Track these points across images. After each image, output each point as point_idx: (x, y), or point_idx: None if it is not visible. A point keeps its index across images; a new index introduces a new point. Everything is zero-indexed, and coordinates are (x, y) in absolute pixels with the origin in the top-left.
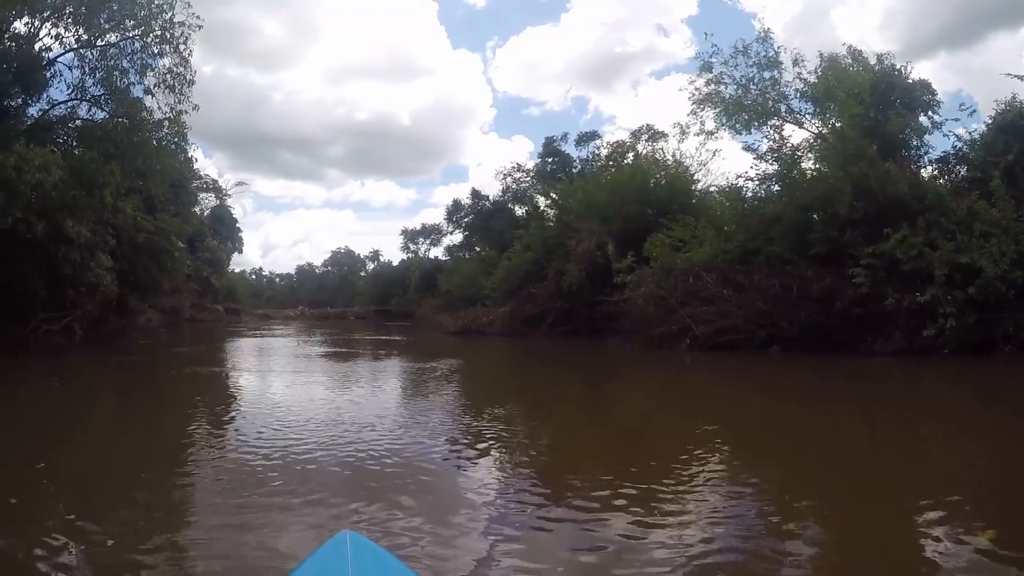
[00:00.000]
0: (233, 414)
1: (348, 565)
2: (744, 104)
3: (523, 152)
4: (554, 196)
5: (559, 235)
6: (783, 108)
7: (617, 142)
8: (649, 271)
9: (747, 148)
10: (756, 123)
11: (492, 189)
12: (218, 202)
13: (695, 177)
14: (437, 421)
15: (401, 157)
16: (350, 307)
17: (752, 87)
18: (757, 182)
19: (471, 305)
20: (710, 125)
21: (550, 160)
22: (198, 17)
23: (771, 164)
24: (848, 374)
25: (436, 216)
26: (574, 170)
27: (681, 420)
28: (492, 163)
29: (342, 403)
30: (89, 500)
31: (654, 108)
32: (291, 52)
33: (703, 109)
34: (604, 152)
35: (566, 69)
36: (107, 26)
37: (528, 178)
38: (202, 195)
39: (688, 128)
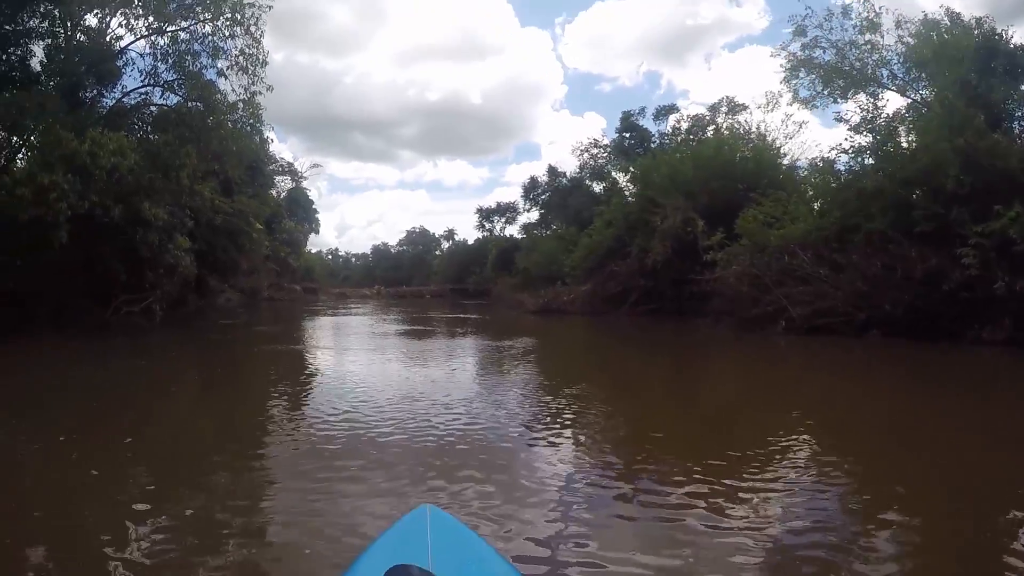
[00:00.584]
0: (312, 391)
1: (427, 537)
2: (842, 70)
3: (596, 129)
4: (635, 171)
5: (641, 211)
6: (884, 74)
7: (696, 115)
8: (741, 248)
9: (838, 119)
10: (852, 90)
11: (568, 166)
12: (294, 184)
13: (781, 151)
14: (514, 400)
15: (473, 136)
16: (426, 286)
17: (850, 52)
18: (851, 155)
19: (550, 283)
20: (803, 93)
21: (627, 135)
22: None
23: (864, 135)
24: (953, 363)
25: (510, 195)
26: (652, 145)
27: (771, 408)
28: (565, 140)
29: (420, 381)
30: (173, 472)
31: (729, 81)
32: (360, 36)
33: (796, 76)
34: (684, 126)
35: (637, 44)
36: (177, 12)
37: (605, 154)
38: (278, 178)
39: (780, 96)
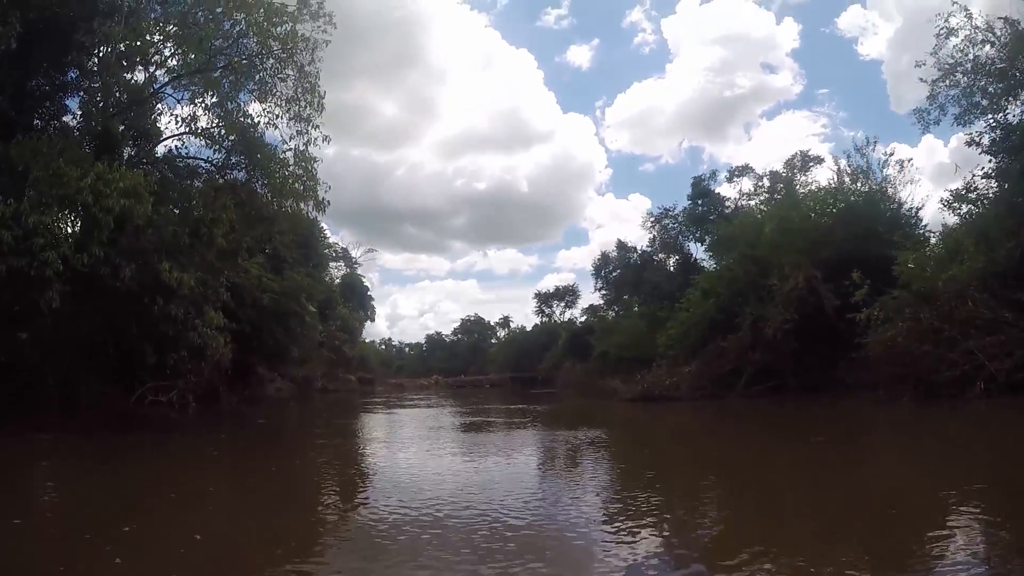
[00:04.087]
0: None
1: None
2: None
3: (641, 210)
4: (734, 231)
5: (748, 275)
6: None
7: (773, 171)
8: (905, 298)
9: (971, 142)
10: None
11: (632, 239)
12: (348, 270)
13: (897, 193)
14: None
15: (522, 224)
16: (484, 375)
17: (994, 64)
18: (994, 180)
19: (635, 367)
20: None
21: (700, 202)
22: (326, 31)
23: (998, 159)
24: None
25: (560, 280)
26: (727, 210)
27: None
28: (611, 224)
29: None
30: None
31: (768, 148)
32: (409, 129)
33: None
34: (766, 183)
35: (677, 121)
36: (218, 50)
37: (676, 224)
38: (332, 264)
39: (927, 116)
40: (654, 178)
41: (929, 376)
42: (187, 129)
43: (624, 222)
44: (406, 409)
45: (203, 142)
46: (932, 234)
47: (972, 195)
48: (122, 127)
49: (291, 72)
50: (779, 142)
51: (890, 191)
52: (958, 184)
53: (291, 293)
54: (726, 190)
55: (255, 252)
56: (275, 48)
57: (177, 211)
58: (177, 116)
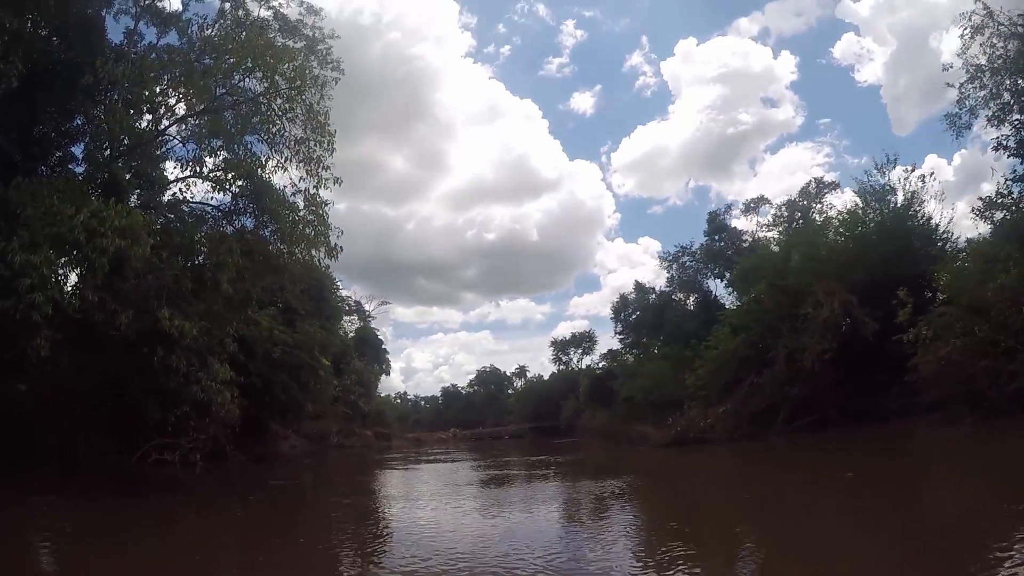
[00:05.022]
0: None
1: None
2: None
3: (651, 253)
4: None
5: (778, 306)
6: None
7: (790, 199)
8: (952, 313)
9: (999, 147)
10: None
11: (646, 281)
12: (362, 324)
13: (924, 209)
14: None
15: (533, 273)
16: (502, 426)
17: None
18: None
19: (663, 411)
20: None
21: (717, 237)
22: (337, 68)
23: None
24: None
25: (574, 328)
26: (745, 243)
27: None
28: (623, 269)
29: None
30: None
31: (774, 182)
32: (419, 183)
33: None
34: (784, 212)
35: (682, 161)
36: (225, 91)
37: (694, 262)
38: (346, 318)
39: (958, 121)
40: (662, 220)
41: (989, 392)
42: (192, 173)
43: (636, 266)
44: (425, 464)
45: (210, 186)
46: (964, 246)
47: (1007, 200)
48: (128, 175)
49: (300, 111)
50: (784, 175)
51: (916, 207)
52: (956, 196)
53: (304, 346)
54: (741, 223)
55: (265, 304)
56: (283, 87)
57: (179, 255)
58: (182, 160)
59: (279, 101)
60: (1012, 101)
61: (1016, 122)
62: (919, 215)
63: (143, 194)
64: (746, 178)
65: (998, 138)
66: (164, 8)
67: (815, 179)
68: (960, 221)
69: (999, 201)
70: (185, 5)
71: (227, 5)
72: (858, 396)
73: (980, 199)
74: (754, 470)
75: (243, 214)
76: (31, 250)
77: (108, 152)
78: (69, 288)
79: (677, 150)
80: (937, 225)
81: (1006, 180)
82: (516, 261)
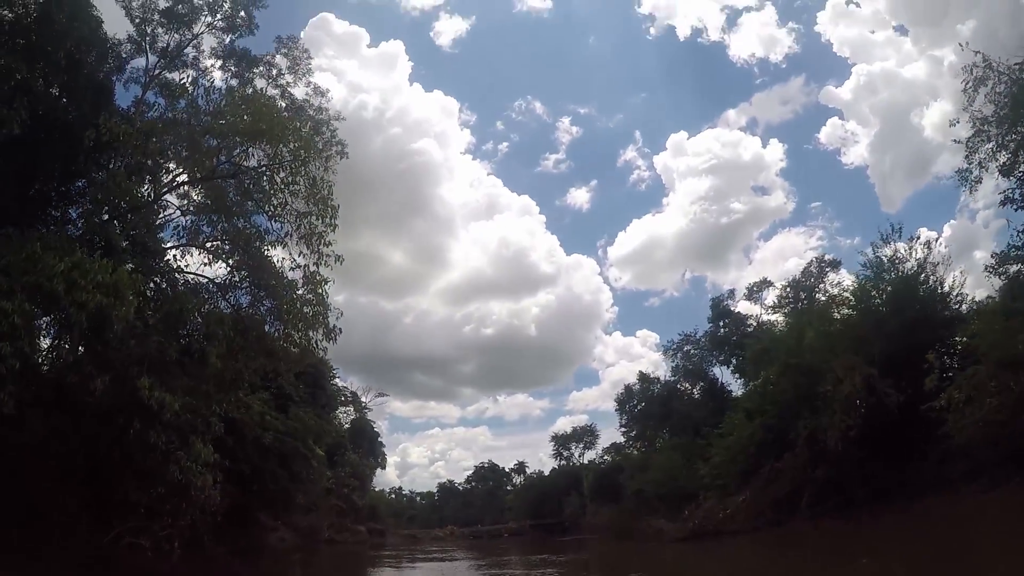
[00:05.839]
0: None
1: None
2: None
3: (649, 345)
4: (769, 346)
5: (795, 387)
6: None
7: (794, 280)
8: (984, 371)
9: (1007, 200)
10: None
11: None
12: (358, 415)
13: (935, 274)
14: None
15: (531, 368)
16: (501, 523)
17: None
18: None
19: (676, 504)
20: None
21: (721, 324)
22: (342, 151)
23: None
24: None
25: (573, 423)
26: (750, 328)
27: None
28: (621, 362)
29: None
30: None
31: (769, 268)
32: (417, 277)
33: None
34: (789, 292)
35: (678, 252)
36: (226, 160)
37: (698, 350)
38: (341, 409)
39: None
40: (660, 312)
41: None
42: (188, 241)
43: (634, 359)
44: (422, 563)
45: (206, 258)
46: (981, 305)
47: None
48: (125, 243)
49: (303, 184)
50: (779, 260)
51: (928, 272)
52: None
53: (297, 433)
54: (745, 308)
55: (258, 387)
56: (287, 158)
57: (167, 322)
58: (180, 228)
59: (282, 174)
60: (1019, 149)
61: (1021, 174)
62: (931, 280)
63: (136, 259)
64: (741, 266)
65: (1005, 191)
66: (173, 80)
67: (816, 258)
68: (958, 287)
69: (1014, 254)
70: (194, 80)
71: (235, 82)
72: (887, 472)
73: (992, 255)
74: (779, 563)
75: (239, 288)
76: (4, 296)
77: (106, 216)
78: (45, 344)
79: (672, 241)
80: (951, 288)
81: (1019, 232)
82: (514, 356)
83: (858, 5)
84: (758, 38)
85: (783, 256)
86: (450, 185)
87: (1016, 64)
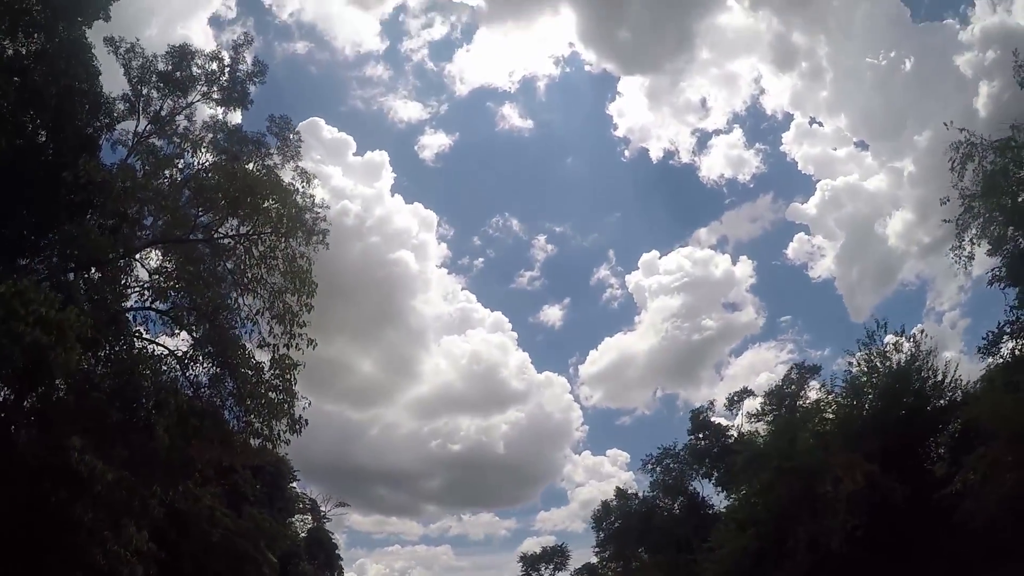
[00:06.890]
0: None
1: None
2: None
3: (620, 464)
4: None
5: (791, 491)
6: None
7: (773, 388)
8: (997, 449)
9: (995, 279)
10: None
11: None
12: (316, 524)
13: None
14: None
15: (498, 486)
16: None
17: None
18: None
19: None
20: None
21: (701, 436)
22: (323, 239)
23: None
24: None
25: (540, 543)
26: (729, 439)
27: None
28: (590, 482)
29: None
30: None
31: (740, 384)
32: (385, 388)
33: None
34: (772, 402)
35: (649, 371)
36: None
37: (677, 463)
38: (298, 516)
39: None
40: (630, 430)
41: None
42: (152, 302)
43: (604, 478)
44: None
45: (169, 328)
46: (972, 388)
47: (1017, 326)
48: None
49: (280, 258)
50: (751, 375)
51: (920, 362)
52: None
53: (249, 535)
54: (724, 419)
55: (210, 480)
56: (266, 230)
57: (113, 379)
58: (146, 288)
59: (261, 247)
60: (1005, 222)
61: (1005, 251)
62: (924, 369)
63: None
64: (713, 383)
65: (993, 270)
66: (160, 148)
67: (795, 365)
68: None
69: (1007, 331)
70: (178, 155)
71: (222, 157)
72: (897, 570)
73: (983, 337)
74: None
75: (199, 364)
76: None
77: (71, 276)
78: None
79: (643, 359)
80: (943, 376)
81: (1011, 308)
82: (481, 473)
83: (820, 124)
84: (727, 159)
85: (754, 371)
86: (425, 297)
87: (996, 141)
